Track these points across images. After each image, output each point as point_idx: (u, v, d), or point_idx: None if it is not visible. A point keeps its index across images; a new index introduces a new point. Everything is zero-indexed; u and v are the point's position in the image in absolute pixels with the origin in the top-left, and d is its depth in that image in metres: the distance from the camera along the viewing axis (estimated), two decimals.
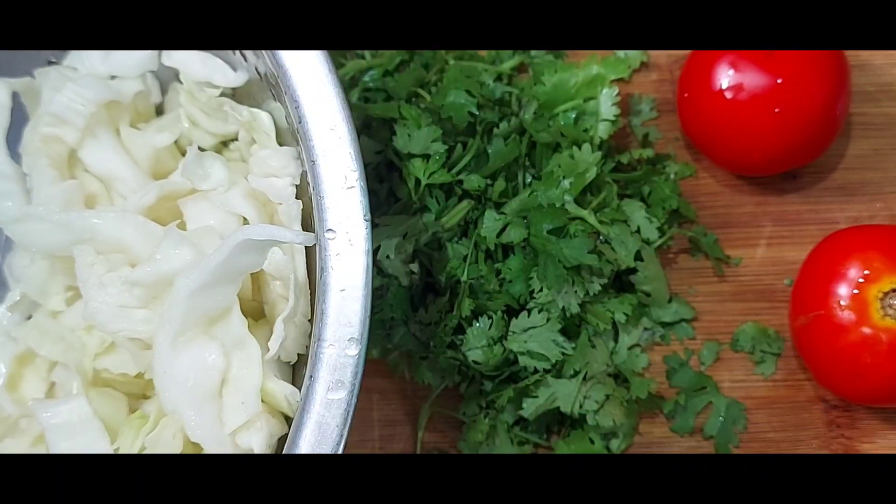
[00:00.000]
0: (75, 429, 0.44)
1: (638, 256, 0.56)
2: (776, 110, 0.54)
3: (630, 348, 0.56)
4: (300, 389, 0.42)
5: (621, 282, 0.57)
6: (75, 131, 0.49)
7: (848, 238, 0.53)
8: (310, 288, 0.45)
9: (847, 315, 0.51)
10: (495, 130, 0.57)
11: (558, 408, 0.53)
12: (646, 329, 0.57)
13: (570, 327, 0.54)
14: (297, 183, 0.47)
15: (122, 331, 0.44)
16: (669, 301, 0.57)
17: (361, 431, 0.57)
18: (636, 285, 0.56)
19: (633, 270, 0.57)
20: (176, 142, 0.52)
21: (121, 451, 0.45)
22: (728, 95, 0.54)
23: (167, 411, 0.43)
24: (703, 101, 0.56)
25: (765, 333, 0.57)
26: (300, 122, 0.43)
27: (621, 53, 0.61)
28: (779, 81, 0.53)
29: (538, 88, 0.59)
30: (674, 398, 0.56)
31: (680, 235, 0.59)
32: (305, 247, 0.46)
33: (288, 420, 0.44)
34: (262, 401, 0.43)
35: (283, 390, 0.43)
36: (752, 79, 0.54)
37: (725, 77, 0.54)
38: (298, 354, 0.45)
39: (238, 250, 0.41)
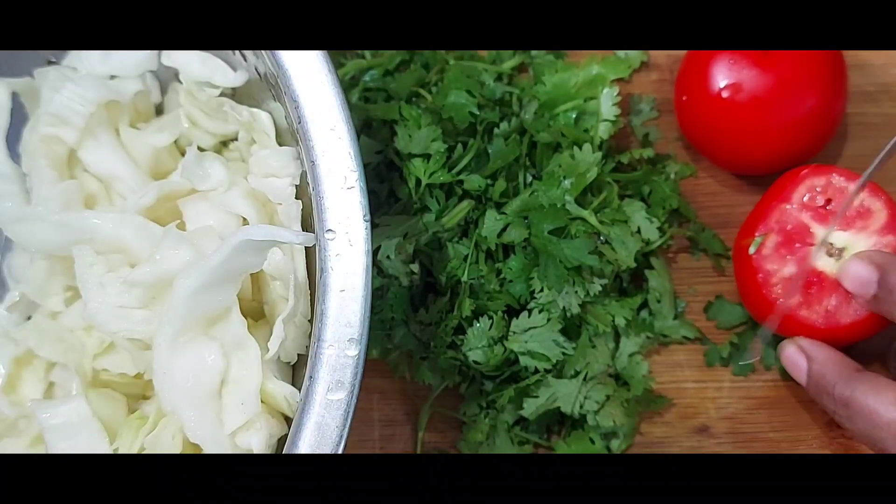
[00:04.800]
0: (74, 429, 0.44)
1: (648, 265, 0.56)
2: (773, 110, 0.54)
3: (631, 355, 0.56)
4: (300, 390, 0.42)
5: (622, 285, 0.57)
6: (75, 131, 0.49)
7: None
8: (310, 288, 0.45)
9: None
10: (496, 130, 0.57)
11: (559, 408, 0.53)
12: (648, 337, 0.56)
13: (571, 328, 0.54)
14: (297, 183, 0.47)
15: (122, 331, 0.44)
16: (675, 318, 0.57)
17: (361, 431, 0.56)
18: (650, 305, 0.57)
19: (634, 274, 0.57)
20: (176, 142, 0.52)
21: (120, 452, 0.44)
22: (725, 96, 0.54)
23: (166, 412, 0.43)
24: (701, 103, 0.56)
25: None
26: (300, 122, 0.43)
27: (621, 53, 0.61)
28: (776, 82, 0.53)
29: (538, 88, 0.59)
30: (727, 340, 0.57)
31: (680, 235, 0.59)
32: (305, 247, 0.46)
33: (288, 420, 0.44)
34: (262, 401, 0.43)
35: (282, 391, 0.43)
36: (750, 79, 0.54)
37: (723, 78, 0.54)
38: (298, 355, 0.45)
39: (238, 251, 0.41)
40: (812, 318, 0.51)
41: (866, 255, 0.50)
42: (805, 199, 0.52)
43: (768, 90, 0.54)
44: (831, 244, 0.52)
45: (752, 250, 0.53)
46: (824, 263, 0.51)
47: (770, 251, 0.52)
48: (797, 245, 0.52)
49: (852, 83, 0.57)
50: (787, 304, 0.52)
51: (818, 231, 0.52)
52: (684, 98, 0.57)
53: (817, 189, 0.52)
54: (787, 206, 0.53)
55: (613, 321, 0.55)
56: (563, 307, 0.53)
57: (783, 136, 0.55)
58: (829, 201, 0.52)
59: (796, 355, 0.52)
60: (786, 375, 0.57)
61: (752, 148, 0.56)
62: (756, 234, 0.53)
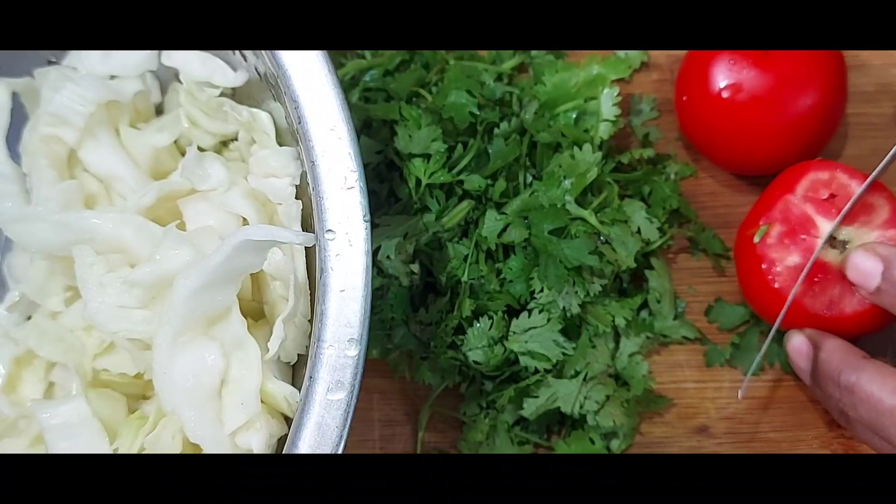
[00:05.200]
0: (74, 429, 0.44)
1: (648, 265, 0.56)
2: (773, 111, 0.54)
3: (631, 355, 0.56)
4: (300, 390, 0.42)
5: (622, 285, 0.57)
6: (75, 131, 0.49)
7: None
8: (310, 288, 0.45)
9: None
10: (496, 130, 0.57)
11: (559, 408, 0.53)
12: (648, 337, 0.56)
13: (571, 328, 0.54)
14: (297, 183, 0.47)
15: (122, 331, 0.44)
16: (675, 318, 0.57)
17: (361, 431, 0.56)
18: (650, 305, 0.57)
19: (634, 274, 0.57)
20: (176, 142, 0.52)
21: (120, 452, 0.44)
22: (725, 96, 0.54)
23: (166, 412, 0.43)
24: (701, 103, 0.56)
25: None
26: (300, 123, 0.43)
27: (621, 53, 0.61)
28: (776, 82, 0.54)
29: (539, 88, 0.59)
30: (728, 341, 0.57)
31: (680, 236, 0.59)
32: (305, 247, 0.46)
33: (288, 421, 0.44)
34: (262, 401, 0.43)
35: (282, 391, 0.43)
36: (750, 79, 0.54)
37: (723, 78, 0.54)
38: (298, 355, 0.45)
39: (238, 251, 0.41)
40: (816, 307, 0.52)
41: (871, 246, 0.50)
42: (809, 191, 0.53)
43: (768, 90, 0.54)
44: (834, 238, 0.52)
45: (756, 239, 0.53)
46: (828, 254, 0.52)
47: (774, 240, 0.53)
48: (801, 236, 0.52)
49: (852, 83, 0.57)
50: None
51: (821, 223, 0.52)
52: (684, 98, 0.57)
53: (821, 182, 0.53)
54: (792, 197, 0.53)
55: (613, 321, 0.55)
56: (563, 307, 0.53)
57: (783, 136, 0.55)
58: (832, 196, 0.52)
59: (803, 344, 0.52)
60: (786, 374, 0.57)
61: (753, 148, 0.56)
62: (761, 223, 0.53)
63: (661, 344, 0.58)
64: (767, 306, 0.53)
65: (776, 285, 0.52)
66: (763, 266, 0.52)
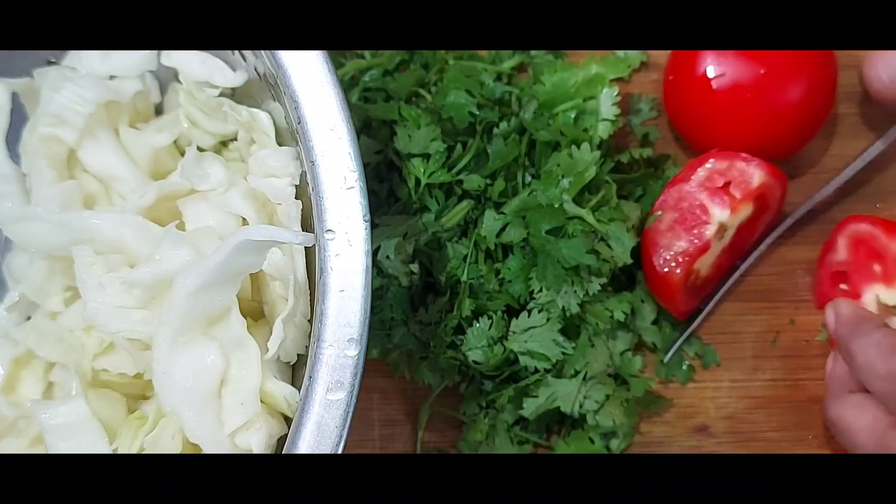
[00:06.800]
0: (74, 429, 0.44)
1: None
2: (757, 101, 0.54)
3: (622, 353, 0.56)
4: (300, 390, 0.42)
5: (618, 281, 0.57)
6: (74, 131, 0.49)
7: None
8: (309, 288, 0.45)
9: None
10: (495, 130, 0.57)
11: (558, 407, 0.53)
12: None
13: (570, 327, 0.54)
14: (297, 183, 0.47)
15: (122, 331, 0.44)
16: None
17: (361, 431, 0.57)
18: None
19: (631, 271, 0.57)
20: (175, 142, 0.52)
21: (120, 452, 0.44)
22: (714, 85, 0.55)
23: (166, 412, 0.43)
24: (687, 86, 0.56)
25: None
26: (300, 123, 0.43)
27: (621, 53, 0.61)
28: (762, 72, 0.54)
29: (538, 88, 0.59)
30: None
31: None
32: (305, 247, 0.46)
33: (287, 420, 0.44)
34: (262, 401, 0.43)
35: (282, 391, 0.43)
36: (736, 68, 0.54)
37: (709, 64, 0.55)
38: (298, 355, 0.45)
39: (237, 251, 0.41)
40: None
41: (836, 303, 0.53)
42: (704, 179, 0.54)
43: (753, 80, 0.54)
44: (890, 305, 0.54)
45: (647, 224, 0.54)
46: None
47: (665, 227, 0.54)
48: (692, 222, 0.53)
49: (849, 83, 0.58)
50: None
51: (714, 210, 0.53)
52: (671, 78, 0.58)
53: (719, 171, 0.54)
54: (686, 186, 0.54)
55: (612, 316, 0.55)
56: (563, 307, 0.53)
57: (764, 127, 0.55)
58: (727, 183, 0.54)
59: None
60: (786, 375, 0.57)
61: (733, 136, 0.56)
62: (655, 210, 0.54)
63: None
64: (658, 292, 0.55)
65: (663, 270, 0.53)
66: (652, 252, 0.54)
